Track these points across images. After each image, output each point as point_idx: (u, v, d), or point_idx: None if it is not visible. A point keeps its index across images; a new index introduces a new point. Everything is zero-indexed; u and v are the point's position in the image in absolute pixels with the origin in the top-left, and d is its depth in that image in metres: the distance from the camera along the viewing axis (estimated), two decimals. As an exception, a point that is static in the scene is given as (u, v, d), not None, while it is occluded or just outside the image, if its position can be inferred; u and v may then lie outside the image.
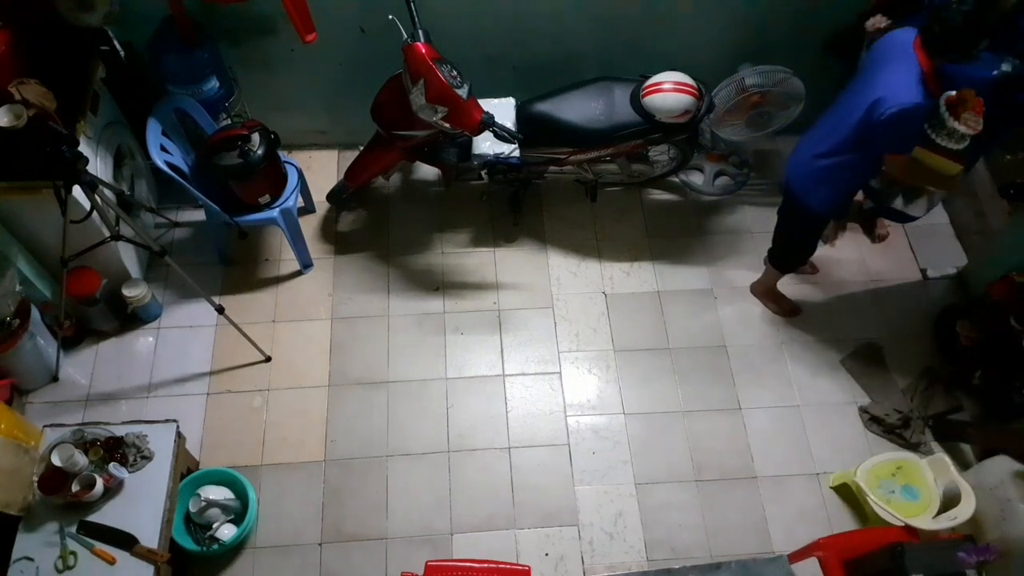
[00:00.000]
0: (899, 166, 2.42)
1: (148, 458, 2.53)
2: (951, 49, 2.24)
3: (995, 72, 2.50)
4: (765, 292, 3.39)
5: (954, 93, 2.24)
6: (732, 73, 3.29)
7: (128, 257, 3.18)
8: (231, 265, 3.47)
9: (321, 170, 3.74)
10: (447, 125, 2.88)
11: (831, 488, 3.01)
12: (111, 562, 2.36)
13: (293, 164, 3.30)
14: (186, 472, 2.75)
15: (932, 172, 2.38)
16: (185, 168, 3.11)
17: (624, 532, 2.90)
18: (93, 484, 2.38)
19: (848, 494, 2.97)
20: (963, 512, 2.61)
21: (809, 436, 3.13)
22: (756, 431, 3.13)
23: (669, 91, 3.04)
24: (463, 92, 2.83)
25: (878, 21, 2.84)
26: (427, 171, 3.76)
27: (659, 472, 3.02)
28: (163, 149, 2.99)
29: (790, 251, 3.15)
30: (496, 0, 3.16)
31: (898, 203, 3.13)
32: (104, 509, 2.44)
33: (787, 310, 3.39)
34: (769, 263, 3.26)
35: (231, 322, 3.02)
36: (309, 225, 3.59)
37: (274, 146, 3.04)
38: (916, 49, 2.35)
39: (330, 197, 3.60)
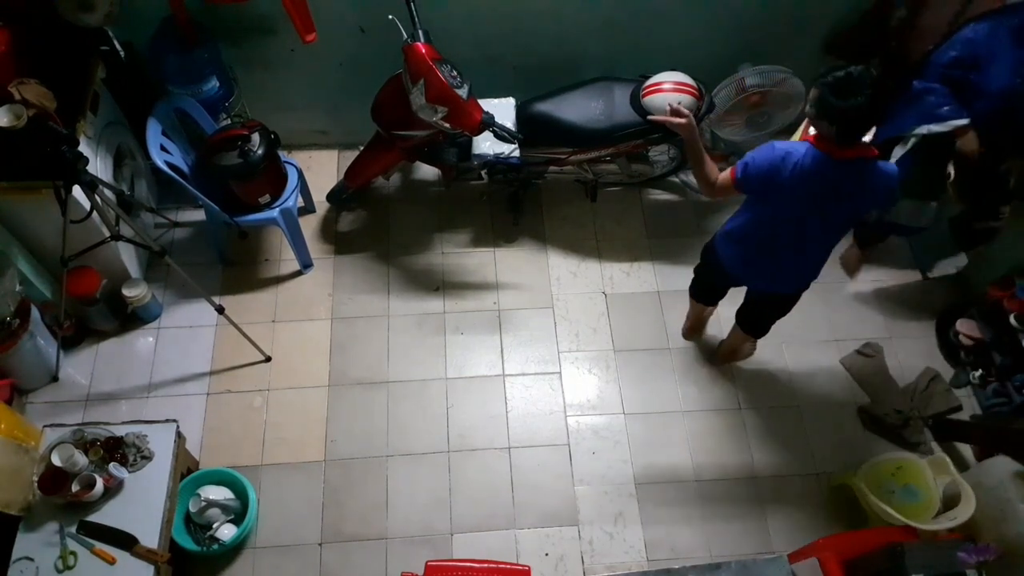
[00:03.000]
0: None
1: (148, 458, 2.53)
2: (859, 135, 2.19)
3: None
4: (730, 355, 3.28)
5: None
6: (732, 73, 3.29)
7: (128, 257, 3.18)
8: (231, 265, 3.47)
9: (321, 170, 3.74)
10: (447, 125, 2.88)
11: (831, 488, 3.02)
12: (111, 562, 2.36)
13: (293, 164, 3.30)
14: (186, 472, 2.75)
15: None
16: (185, 168, 3.11)
17: (624, 532, 2.90)
18: (93, 484, 2.38)
19: (848, 494, 2.97)
20: (963, 512, 2.61)
21: (809, 436, 3.13)
22: (756, 431, 3.13)
23: (669, 91, 3.04)
24: (463, 92, 2.84)
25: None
26: (427, 171, 3.76)
27: (659, 472, 3.02)
28: (163, 149, 2.99)
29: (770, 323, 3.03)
30: (496, 0, 3.16)
31: (903, 217, 3.14)
32: (104, 509, 2.44)
33: (749, 351, 3.30)
34: (751, 335, 3.14)
35: (231, 322, 3.02)
36: (309, 225, 3.59)
37: (274, 146, 3.04)
38: (837, 157, 2.22)
39: (330, 197, 3.60)
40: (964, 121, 2.66)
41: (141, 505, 2.46)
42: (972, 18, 2.71)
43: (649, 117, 2.95)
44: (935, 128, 2.72)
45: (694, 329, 3.32)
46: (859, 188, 2.25)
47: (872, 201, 2.37)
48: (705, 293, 3.08)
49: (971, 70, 2.64)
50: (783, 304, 2.84)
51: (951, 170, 2.78)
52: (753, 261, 2.61)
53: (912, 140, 2.86)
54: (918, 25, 3.01)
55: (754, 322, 3.01)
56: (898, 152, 2.96)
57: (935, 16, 2.99)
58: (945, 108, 2.68)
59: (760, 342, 3.30)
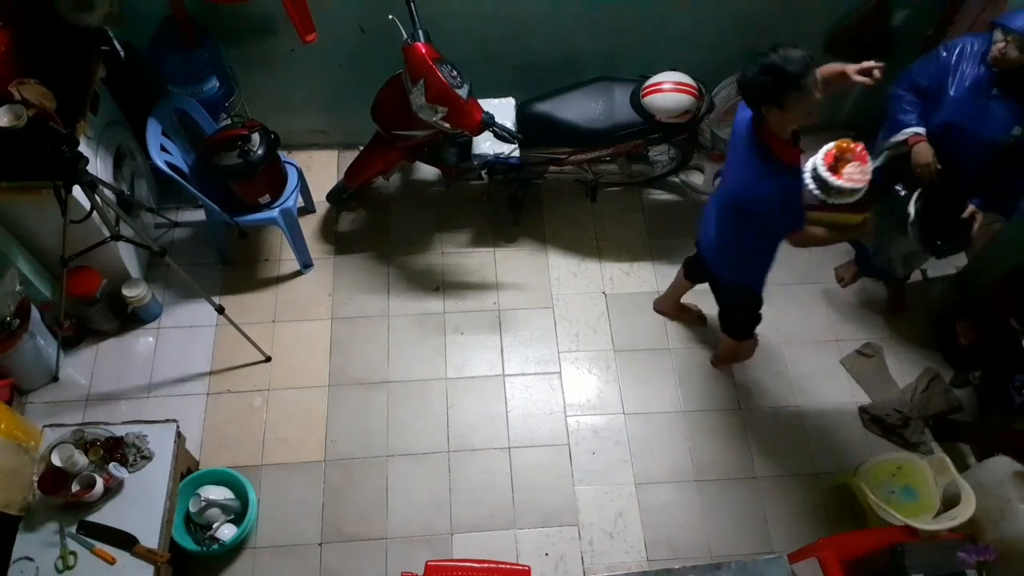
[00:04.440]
0: (800, 240, 2.34)
1: (148, 458, 2.53)
2: (765, 104, 2.07)
3: (1012, 134, 2.53)
4: (730, 359, 3.26)
5: (832, 149, 2.17)
6: (732, 73, 3.29)
7: (128, 257, 3.18)
8: (231, 265, 3.47)
9: (321, 170, 3.74)
10: (447, 125, 2.88)
11: (831, 488, 3.01)
12: (111, 562, 2.36)
13: (293, 164, 3.30)
14: (186, 472, 2.75)
15: (838, 227, 2.33)
16: (185, 168, 3.11)
17: (624, 532, 2.90)
18: (93, 484, 2.38)
19: (848, 494, 2.97)
20: (963, 512, 2.61)
21: (809, 436, 3.13)
22: (756, 431, 3.13)
23: (669, 91, 3.04)
24: (463, 92, 2.83)
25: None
26: (427, 171, 3.76)
27: (659, 472, 3.02)
28: (163, 149, 2.99)
29: (745, 323, 2.96)
30: (496, 0, 3.16)
31: (892, 260, 3.10)
32: (104, 509, 2.44)
33: (750, 355, 3.27)
34: (727, 335, 3.08)
35: (231, 322, 3.02)
36: (309, 225, 3.59)
37: (274, 146, 3.04)
38: (755, 131, 2.17)
39: (330, 197, 3.60)
40: (919, 130, 2.68)
41: (141, 505, 2.46)
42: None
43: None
44: (894, 139, 2.74)
45: (666, 300, 3.32)
46: (750, 176, 2.19)
47: (749, 198, 2.24)
48: (690, 264, 3.07)
49: (935, 81, 2.66)
50: (718, 286, 2.84)
51: (912, 209, 2.73)
52: (703, 216, 2.68)
53: (880, 158, 2.84)
54: (955, 21, 3.00)
55: (720, 315, 3.02)
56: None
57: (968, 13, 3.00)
58: (910, 116, 2.71)
59: (761, 341, 3.30)
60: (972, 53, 2.61)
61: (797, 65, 1.95)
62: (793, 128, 2.16)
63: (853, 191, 2.20)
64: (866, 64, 2.17)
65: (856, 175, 2.20)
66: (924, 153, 2.67)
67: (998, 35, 2.48)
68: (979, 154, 2.65)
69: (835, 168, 2.22)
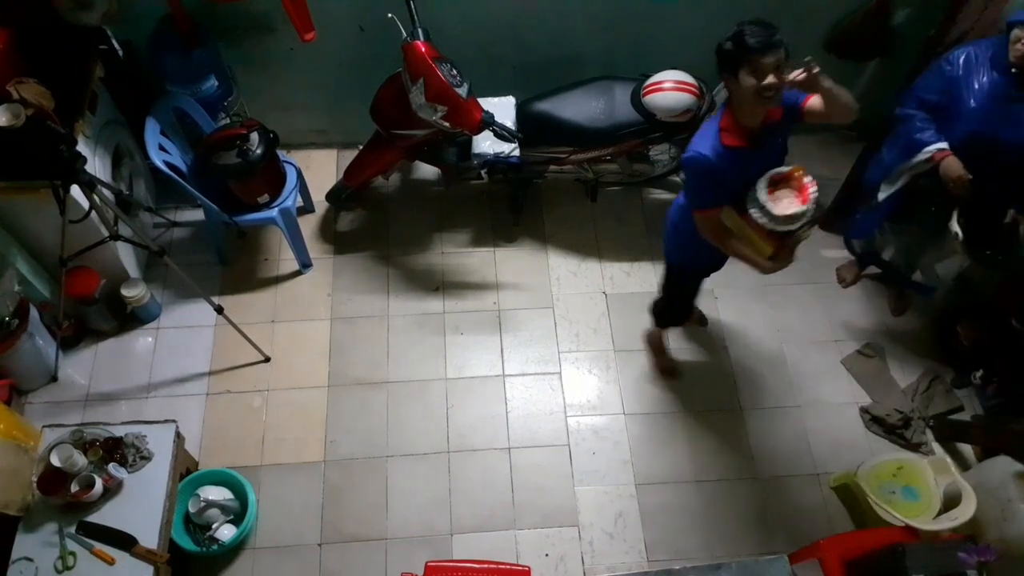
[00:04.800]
0: (699, 223, 2.30)
1: (147, 458, 2.53)
2: (726, 72, 2.04)
3: None
4: (650, 344, 3.26)
5: (785, 171, 2.12)
6: (732, 72, 3.28)
7: (127, 257, 3.17)
8: (230, 265, 3.46)
9: (320, 169, 3.73)
10: (447, 124, 2.87)
11: (831, 488, 3.01)
12: (111, 562, 2.35)
13: (292, 163, 3.30)
14: (186, 472, 2.75)
15: (745, 244, 2.26)
16: (183, 167, 3.11)
17: (624, 532, 2.89)
18: (92, 484, 2.37)
19: (848, 494, 2.97)
20: (964, 513, 2.61)
21: (809, 436, 3.13)
22: (756, 431, 3.13)
23: (670, 90, 3.04)
24: (463, 91, 2.83)
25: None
26: (427, 171, 3.75)
27: (659, 472, 3.02)
28: (162, 148, 2.98)
29: (666, 306, 2.97)
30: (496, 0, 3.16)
31: (917, 274, 3.10)
32: (104, 509, 2.44)
33: (665, 368, 3.24)
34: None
35: (230, 322, 3.02)
36: (308, 225, 3.58)
37: (273, 145, 3.03)
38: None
39: (329, 197, 3.60)
40: (942, 145, 2.62)
41: (140, 505, 2.46)
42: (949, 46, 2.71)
43: None
44: (916, 159, 2.68)
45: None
46: (696, 135, 2.20)
47: (685, 156, 2.21)
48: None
49: (947, 95, 2.62)
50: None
51: (957, 228, 2.70)
52: None
53: (900, 180, 2.81)
54: (957, 20, 2.98)
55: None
56: (885, 191, 2.90)
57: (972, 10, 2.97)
58: (927, 133, 2.65)
59: (760, 342, 3.30)
60: (982, 60, 2.56)
61: (758, 39, 1.91)
62: (762, 116, 2.10)
63: (774, 216, 2.11)
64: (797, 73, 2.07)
65: (784, 202, 2.11)
66: (954, 166, 2.60)
67: (1016, 33, 2.43)
68: (1012, 159, 2.59)
69: (775, 188, 2.15)
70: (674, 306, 2.94)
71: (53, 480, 2.39)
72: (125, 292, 3.08)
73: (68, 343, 3.16)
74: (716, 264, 2.71)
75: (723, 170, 2.13)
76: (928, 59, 2.81)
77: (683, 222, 2.44)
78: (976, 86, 2.56)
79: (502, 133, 2.93)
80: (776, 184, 2.14)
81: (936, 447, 3.10)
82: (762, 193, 2.13)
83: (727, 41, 1.98)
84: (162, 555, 2.40)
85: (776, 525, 2.92)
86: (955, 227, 2.72)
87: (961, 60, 2.60)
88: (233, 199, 3.10)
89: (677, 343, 3.33)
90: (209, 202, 3.04)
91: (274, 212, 3.15)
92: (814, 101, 2.15)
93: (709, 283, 3.46)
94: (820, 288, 3.51)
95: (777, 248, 2.19)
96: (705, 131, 2.18)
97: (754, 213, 2.15)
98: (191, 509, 2.70)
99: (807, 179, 2.13)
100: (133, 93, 3.16)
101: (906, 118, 2.73)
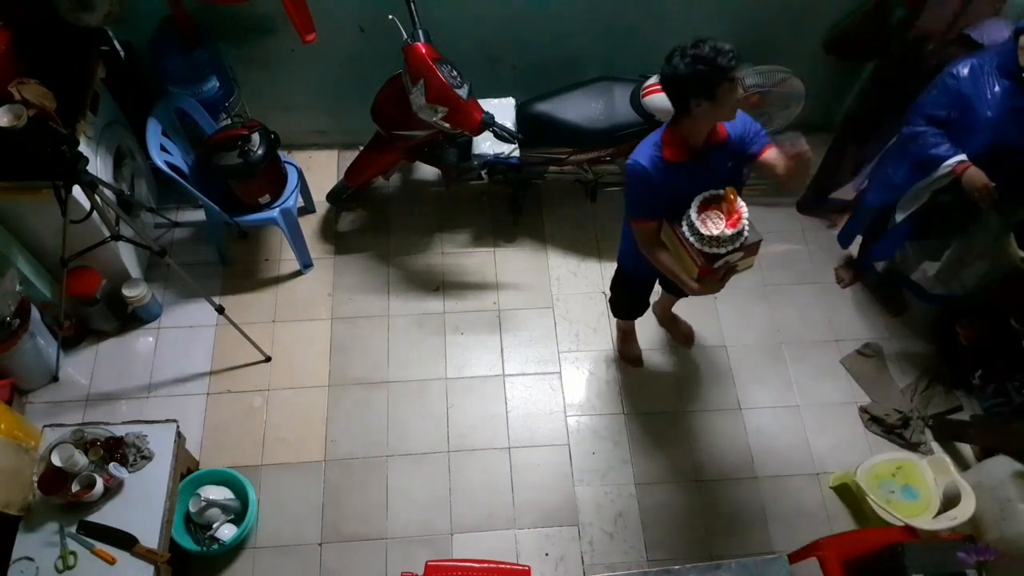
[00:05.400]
0: (634, 231, 2.31)
1: (148, 458, 2.53)
2: (673, 106, 2.08)
3: None
4: (619, 329, 3.27)
5: (721, 191, 2.12)
6: (732, 73, 3.29)
7: (128, 257, 3.18)
8: (231, 265, 3.47)
9: (321, 170, 3.74)
10: (447, 125, 2.88)
11: (831, 488, 3.01)
12: (111, 562, 2.36)
13: (293, 164, 3.30)
14: (186, 472, 2.75)
15: (675, 260, 2.26)
16: (185, 168, 3.11)
17: (624, 532, 2.89)
18: (93, 484, 2.38)
19: (848, 494, 2.97)
20: (963, 512, 2.61)
21: (809, 436, 3.13)
22: (756, 431, 3.13)
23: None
24: (463, 92, 2.83)
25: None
26: (427, 171, 3.76)
27: (659, 472, 3.02)
28: (163, 149, 2.99)
29: (615, 300, 3.02)
30: (496, 0, 3.16)
31: (919, 275, 3.07)
32: (104, 509, 2.44)
33: (627, 356, 3.26)
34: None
35: (231, 322, 3.02)
36: (309, 225, 3.59)
37: (274, 146, 3.04)
38: (667, 127, 2.19)
39: (330, 197, 3.60)
40: (961, 157, 2.60)
41: (141, 505, 2.46)
42: (946, 60, 2.70)
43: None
44: (936, 175, 2.65)
45: (656, 304, 3.29)
46: (640, 145, 2.20)
47: (628, 164, 2.22)
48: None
49: (957, 109, 2.60)
50: None
51: (1020, 253, 2.70)
52: None
53: (919, 199, 2.79)
54: (918, 24, 3.01)
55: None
56: (903, 212, 2.88)
57: (935, 15, 2.99)
58: (942, 147, 2.63)
59: (760, 342, 3.30)
60: (988, 70, 2.54)
61: (728, 57, 1.93)
62: (707, 134, 2.12)
63: (703, 236, 2.10)
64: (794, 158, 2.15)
65: (711, 222, 2.11)
66: (977, 177, 2.58)
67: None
68: None
69: (707, 207, 2.14)
70: (625, 301, 2.98)
71: (54, 480, 2.39)
72: (126, 292, 3.08)
73: (69, 343, 3.16)
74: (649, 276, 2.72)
75: (660, 183, 2.14)
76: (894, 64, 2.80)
77: (625, 233, 2.45)
78: (988, 96, 2.54)
79: (502, 134, 2.94)
80: (708, 204, 2.14)
81: (935, 447, 3.10)
82: (693, 211, 2.13)
83: (696, 66, 1.94)
84: (163, 555, 2.41)
85: (776, 525, 2.93)
86: (1018, 252, 2.74)
87: (966, 72, 2.57)
88: (234, 199, 3.11)
89: (676, 342, 3.34)
90: (210, 202, 3.05)
91: (275, 212, 3.16)
92: (771, 156, 2.19)
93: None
94: (820, 288, 3.52)
95: (704, 270, 2.17)
96: (647, 142, 2.19)
97: (682, 230, 2.15)
98: (192, 509, 2.71)
99: (739, 203, 2.11)
100: (135, 94, 3.17)
101: (915, 136, 2.69)
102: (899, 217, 2.92)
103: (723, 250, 2.13)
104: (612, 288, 2.98)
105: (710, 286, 2.26)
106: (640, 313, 3.03)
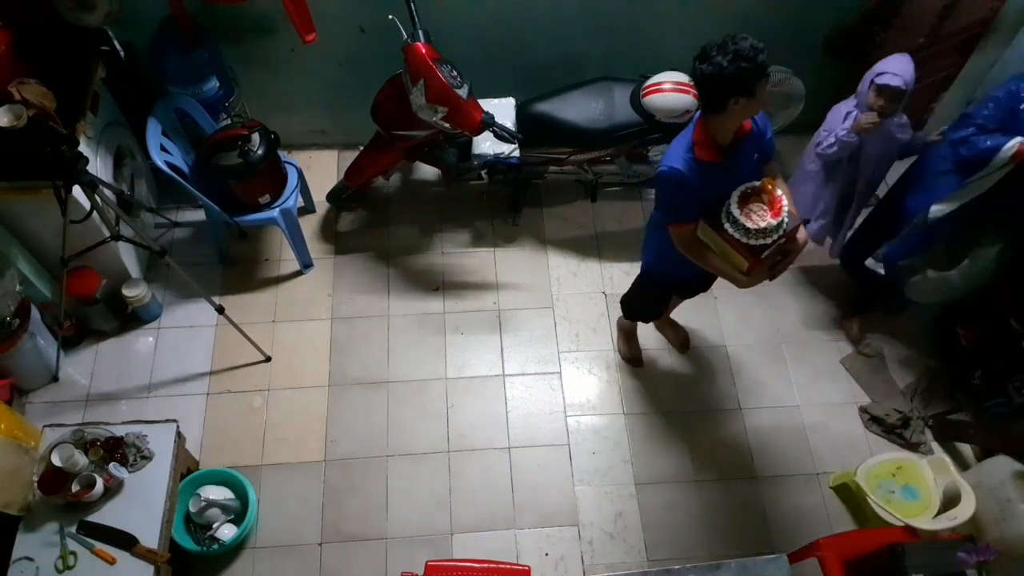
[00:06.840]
0: (675, 237, 2.31)
1: (148, 458, 2.53)
2: (709, 104, 2.06)
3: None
4: (620, 329, 3.29)
5: (758, 184, 2.13)
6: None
7: (128, 257, 3.18)
8: (231, 265, 3.47)
9: (321, 170, 3.74)
10: (447, 125, 2.88)
11: (831, 488, 3.02)
12: (111, 562, 2.36)
13: (293, 164, 3.30)
14: (186, 472, 2.75)
15: (722, 258, 2.26)
16: (185, 168, 3.11)
17: (624, 532, 2.90)
18: (93, 484, 2.38)
19: (848, 494, 2.97)
20: (963, 512, 2.61)
21: (809, 436, 3.13)
22: (756, 431, 3.13)
23: (669, 91, 3.04)
24: (463, 92, 2.84)
25: (870, 118, 2.71)
26: (427, 171, 3.76)
27: (659, 472, 3.02)
28: (163, 149, 2.99)
29: (632, 303, 3.01)
30: (496, 0, 3.16)
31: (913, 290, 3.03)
32: (104, 509, 2.44)
33: (627, 356, 3.27)
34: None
35: (231, 322, 3.02)
36: (309, 225, 3.59)
37: (274, 146, 3.04)
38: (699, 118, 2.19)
39: (330, 197, 3.60)
40: (1019, 138, 2.53)
41: (141, 505, 2.46)
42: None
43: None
44: (998, 158, 2.57)
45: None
46: (669, 150, 2.21)
47: (659, 171, 2.22)
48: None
49: (1009, 112, 2.57)
50: None
51: None
52: None
53: (971, 191, 2.73)
54: (902, 14, 2.98)
55: None
56: (944, 208, 2.80)
57: (920, 7, 2.97)
58: (994, 137, 2.57)
59: (760, 342, 3.30)
60: None
61: (764, 54, 1.95)
62: (733, 132, 2.13)
63: (746, 229, 2.12)
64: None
65: (756, 216, 2.12)
66: None
67: None
68: None
69: (746, 201, 2.15)
70: (642, 306, 2.98)
71: (54, 480, 2.39)
72: (126, 292, 3.08)
73: (69, 343, 3.16)
74: (697, 279, 2.73)
75: (697, 184, 2.15)
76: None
77: (660, 236, 2.44)
78: None
79: (502, 134, 2.94)
80: (748, 198, 2.15)
81: (935, 447, 3.11)
82: (735, 207, 2.14)
83: (739, 63, 1.93)
84: (163, 555, 2.41)
85: (776, 525, 2.93)
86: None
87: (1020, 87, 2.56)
88: (234, 199, 3.11)
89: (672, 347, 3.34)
90: (210, 202, 3.05)
91: (275, 212, 3.16)
92: (770, 171, 2.24)
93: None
94: (820, 288, 3.52)
95: (752, 263, 2.19)
96: (677, 146, 2.19)
97: (728, 227, 2.16)
98: (192, 509, 2.71)
99: (779, 192, 2.13)
100: (134, 94, 3.17)
101: (964, 140, 2.67)
102: (940, 213, 2.80)
103: (770, 239, 2.14)
104: (633, 292, 2.94)
105: (759, 277, 2.27)
106: (658, 316, 3.03)
